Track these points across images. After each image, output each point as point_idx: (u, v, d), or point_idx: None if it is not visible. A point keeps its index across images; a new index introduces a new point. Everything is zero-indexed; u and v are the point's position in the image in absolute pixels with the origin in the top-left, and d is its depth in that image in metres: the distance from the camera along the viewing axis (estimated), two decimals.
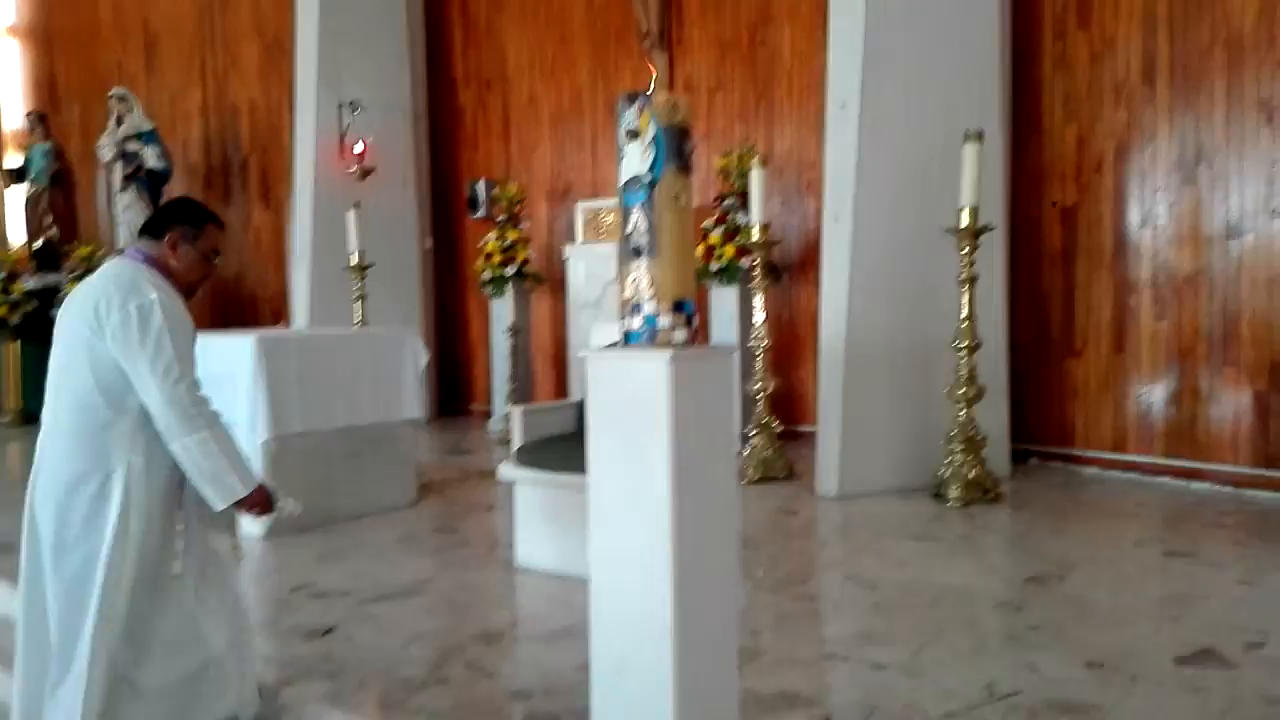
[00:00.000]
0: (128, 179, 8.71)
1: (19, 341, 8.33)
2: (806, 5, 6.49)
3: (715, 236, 6.22)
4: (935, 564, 3.79)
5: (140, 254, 2.47)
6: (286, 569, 3.89)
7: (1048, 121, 5.63)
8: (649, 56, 7.21)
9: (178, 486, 2.43)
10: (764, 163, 5.49)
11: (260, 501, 2.45)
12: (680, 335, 2.00)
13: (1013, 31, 5.55)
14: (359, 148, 7.63)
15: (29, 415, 7.95)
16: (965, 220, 4.67)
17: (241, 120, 9.29)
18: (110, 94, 8.79)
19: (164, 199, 8.98)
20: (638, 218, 2.02)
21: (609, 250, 6.68)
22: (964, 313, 4.74)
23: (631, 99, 2.04)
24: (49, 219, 8.92)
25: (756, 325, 5.45)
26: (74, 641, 2.32)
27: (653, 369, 1.93)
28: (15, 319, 8.28)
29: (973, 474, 4.75)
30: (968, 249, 4.70)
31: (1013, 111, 5.59)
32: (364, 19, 7.78)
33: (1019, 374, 5.59)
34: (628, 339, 2.04)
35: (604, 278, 6.65)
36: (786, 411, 6.42)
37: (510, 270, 6.99)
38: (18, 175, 9.01)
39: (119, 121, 8.70)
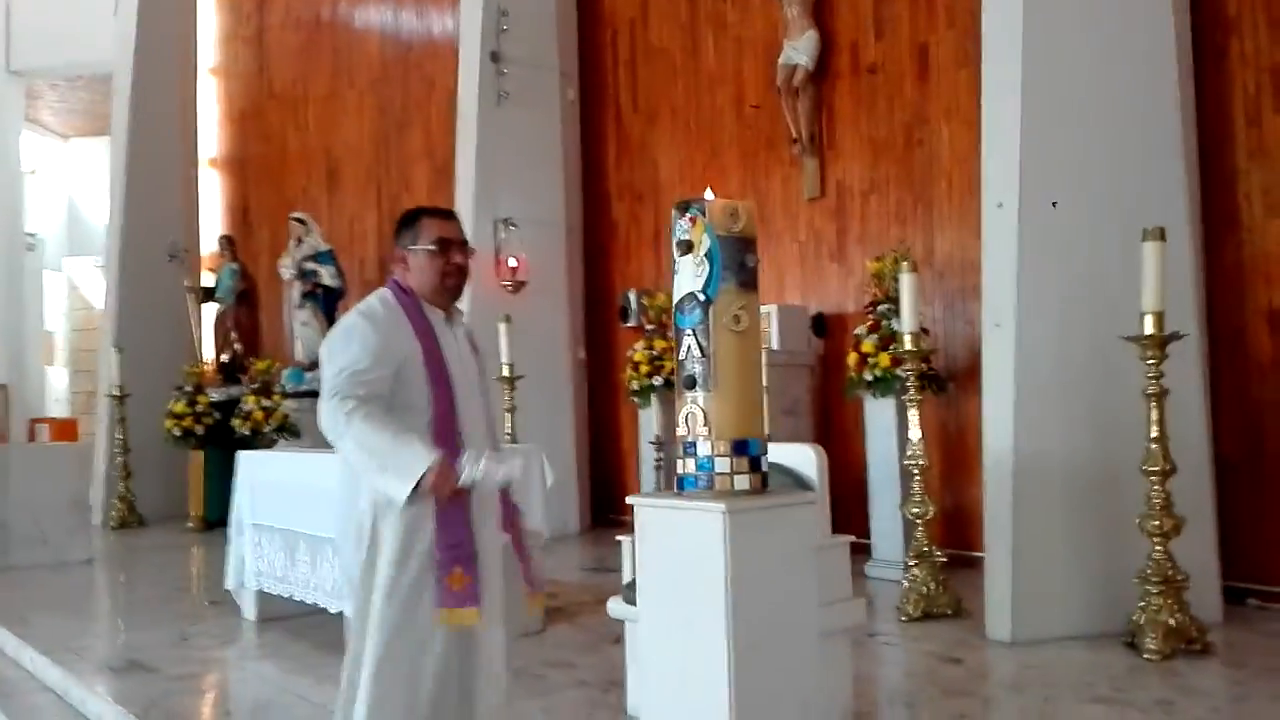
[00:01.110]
0: (305, 296, 9.18)
1: (203, 450, 8.75)
2: (965, 103, 6.11)
3: (868, 344, 5.80)
4: None
5: (389, 281, 2.48)
6: None
7: (1246, 217, 4.97)
8: (797, 162, 7.00)
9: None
10: (914, 267, 5.08)
11: (439, 478, 2.14)
12: (742, 482, 1.67)
13: (1198, 119, 4.98)
14: (513, 262, 7.72)
15: (211, 521, 8.27)
16: (1149, 327, 4.09)
17: None
18: (291, 216, 9.35)
19: (338, 315, 9.40)
20: (690, 343, 1.72)
21: None
22: (1153, 432, 4.11)
23: (684, 207, 1.77)
24: (234, 335, 9.47)
25: (913, 442, 4.96)
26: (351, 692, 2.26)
27: (706, 523, 1.61)
28: (200, 430, 8.72)
29: (1173, 620, 4.03)
30: (1154, 359, 4.10)
31: (1202, 207, 4.97)
32: (522, 140, 7.95)
33: (1230, 500, 4.82)
34: (681, 485, 1.72)
35: None
36: (959, 535, 5.83)
37: (658, 380, 6.81)
38: (209, 294, 9.65)
39: (299, 242, 9.22)
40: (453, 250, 2.44)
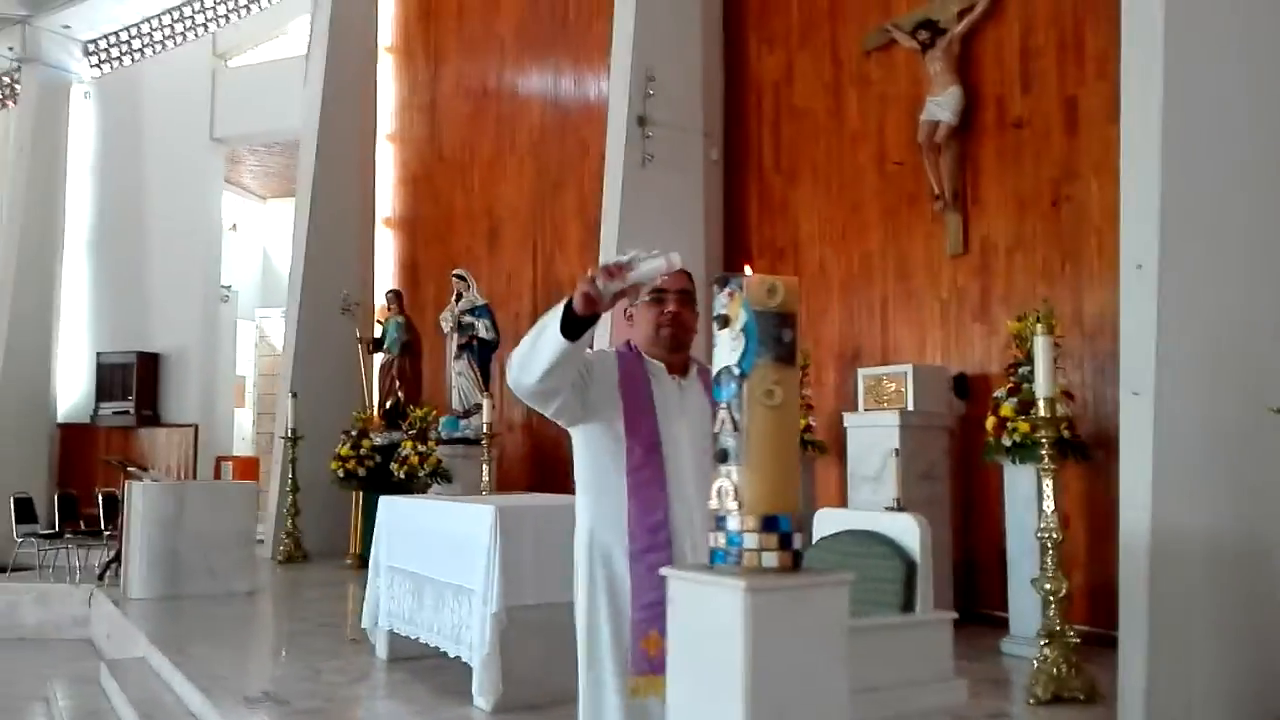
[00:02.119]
0: (462, 348, 9.63)
1: (364, 491, 9.26)
2: (1115, 157, 5.83)
3: (1007, 408, 5.59)
4: None
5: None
6: None
7: None
8: (939, 218, 6.87)
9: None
10: (1051, 328, 4.88)
11: (584, 302, 2.07)
12: (771, 559, 1.68)
13: None
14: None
15: (367, 559, 8.70)
16: None
17: (561, 293, 10.02)
18: (453, 273, 9.87)
19: (492, 367, 9.82)
20: (725, 416, 1.76)
21: (891, 419, 6.25)
22: None
23: (723, 281, 1.82)
24: (398, 383, 10.02)
25: (1047, 514, 4.74)
26: None
27: (728, 599, 1.63)
28: (362, 471, 9.24)
29: None
30: None
31: None
32: (666, 200, 8.14)
33: None
34: (713, 559, 1.75)
35: (884, 448, 6.19)
36: (1103, 613, 5.49)
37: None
38: (378, 344, 10.27)
39: (459, 297, 9.71)
40: (668, 300, 2.35)
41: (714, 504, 1.76)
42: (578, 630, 2.37)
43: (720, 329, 1.80)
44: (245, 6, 13.13)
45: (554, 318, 2.12)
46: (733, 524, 1.71)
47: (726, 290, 1.80)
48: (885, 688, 2.88)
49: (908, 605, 3.32)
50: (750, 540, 1.69)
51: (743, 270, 1.92)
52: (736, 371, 1.75)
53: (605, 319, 2.49)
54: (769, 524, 1.70)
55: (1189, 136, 4.36)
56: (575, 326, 2.10)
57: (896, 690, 2.92)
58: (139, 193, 13.56)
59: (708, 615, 1.68)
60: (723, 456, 1.76)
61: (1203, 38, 4.43)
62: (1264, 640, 4.02)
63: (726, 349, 1.78)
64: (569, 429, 2.40)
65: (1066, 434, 5.38)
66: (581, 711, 2.32)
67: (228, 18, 13.24)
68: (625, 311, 2.41)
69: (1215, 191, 4.34)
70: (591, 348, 2.31)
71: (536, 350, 2.16)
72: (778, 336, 1.76)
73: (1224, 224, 4.32)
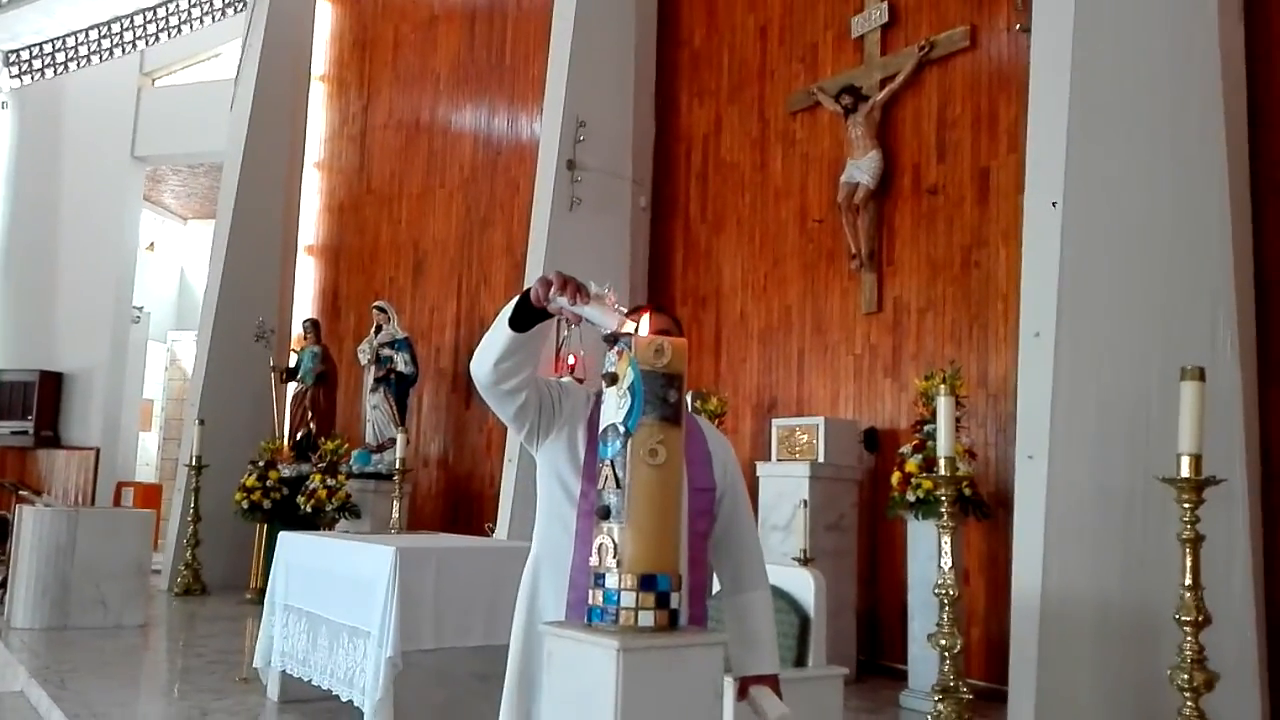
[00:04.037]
0: (379, 381, 9.51)
1: (269, 525, 9.02)
2: (1021, 228, 6.09)
3: (912, 464, 5.72)
4: None
5: None
6: None
7: None
8: (855, 276, 7.04)
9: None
10: (954, 390, 5.03)
11: (540, 294, 2.04)
12: (646, 618, 1.69)
13: (1256, 250, 4.86)
14: (571, 360, 7.88)
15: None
16: (1185, 470, 3.96)
17: (486, 329, 9.97)
18: (374, 305, 9.77)
19: (409, 402, 9.70)
20: (609, 473, 1.78)
21: (802, 469, 6.34)
22: (1187, 579, 3.94)
23: (612, 341, 1.84)
24: (310, 414, 9.83)
25: (944, 570, 4.85)
26: None
27: (600, 658, 1.63)
28: (267, 504, 9.01)
29: None
30: (1190, 503, 3.96)
31: (1259, 342, 4.82)
32: (592, 243, 8.19)
33: None
34: (590, 617, 1.76)
35: (794, 498, 6.26)
36: (998, 668, 5.60)
37: None
38: (291, 374, 10.08)
39: (378, 329, 9.60)
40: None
41: (594, 561, 1.77)
42: (510, 657, 2.29)
43: (608, 386, 1.82)
44: (176, 28, 12.94)
45: (509, 307, 2.13)
46: (611, 582, 1.72)
47: (615, 349, 1.82)
48: None
49: (801, 659, 3.37)
50: (627, 599, 1.70)
51: (642, 316, 1.96)
52: (621, 430, 1.77)
53: None
54: (647, 583, 1.71)
55: (1089, 211, 4.56)
56: (527, 319, 2.10)
57: None
58: (53, 207, 13.17)
59: (583, 672, 1.68)
60: (605, 513, 1.77)
61: (1105, 118, 4.65)
62: (1145, 704, 4.15)
63: (613, 406, 1.80)
64: (530, 449, 2.33)
65: (968, 492, 5.53)
66: None
67: (158, 37, 13.03)
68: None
69: (1112, 264, 4.53)
70: (548, 354, 2.28)
71: (490, 339, 2.17)
72: (664, 397, 1.78)
73: (1120, 296, 4.51)
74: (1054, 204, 4.50)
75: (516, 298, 2.13)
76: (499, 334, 2.12)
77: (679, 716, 1.69)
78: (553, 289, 2.03)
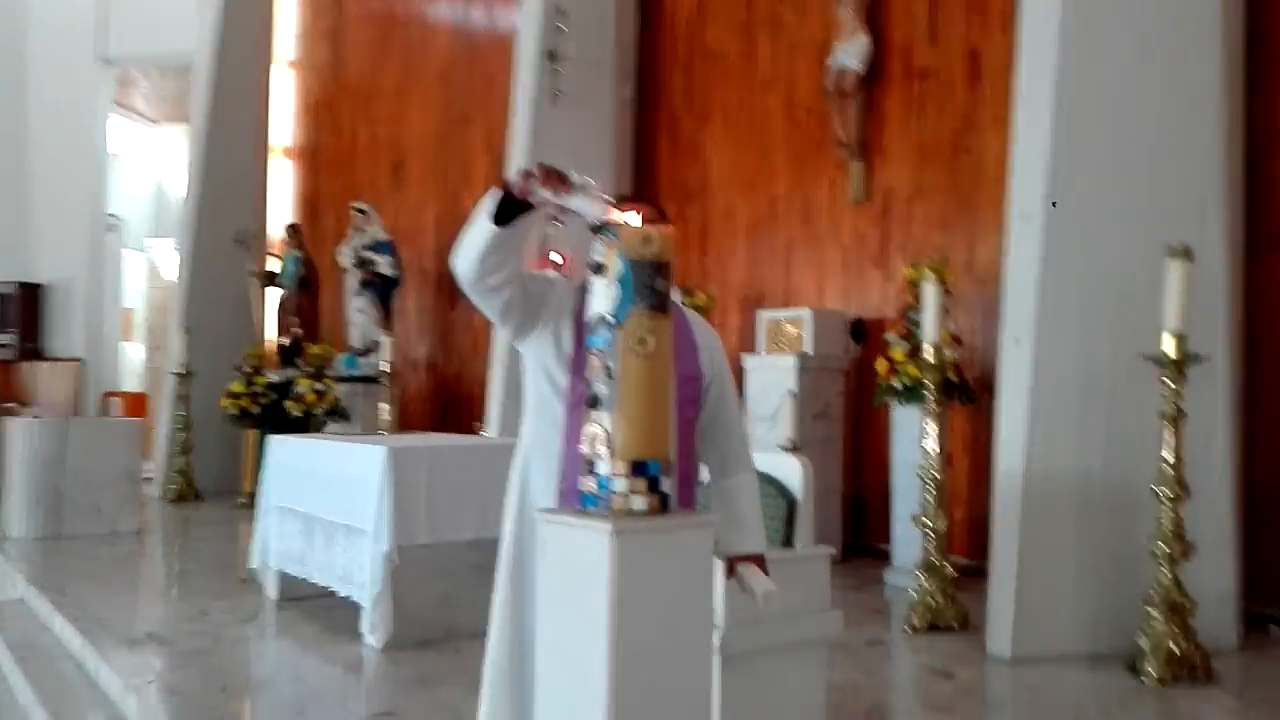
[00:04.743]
0: (363, 284, 9.44)
1: (259, 430, 9.06)
2: (1011, 111, 5.99)
3: (897, 351, 5.77)
4: None
5: None
6: (378, 690, 3.82)
7: None
8: (844, 165, 6.95)
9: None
10: (942, 277, 5.03)
11: (520, 187, 2.01)
12: (639, 503, 1.71)
13: (1247, 129, 4.81)
14: (558, 258, 7.79)
15: None
16: (1168, 348, 4.00)
17: None
18: (351, 205, 9.61)
19: (393, 304, 9.65)
20: (598, 363, 1.78)
21: (790, 362, 6.38)
22: (1168, 455, 4.02)
23: (599, 230, 1.82)
24: (295, 320, 9.78)
25: (929, 453, 4.92)
26: None
27: (594, 542, 1.66)
28: (256, 410, 9.02)
29: (1177, 647, 3.94)
30: (1172, 381, 4.01)
31: (1247, 223, 4.81)
32: (575, 138, 8.02)
33: (1260, 527, 4.69)
34: (583, 502, 1.78)
35: (781, 389, 6.31)
36: (980, 547, 5.74)
37: None
38: (273, 279, 9.98)
39: (359, 232, 9.48)
40: None
41: (585, 449, 1.78)
42: (502, 547, 2.32)
43: (595, 276, 1.80)
44: None
45: (489, 199, 2.07)
46: (603, 469, 1.74)
47: (603, 239, 1.80)
48: (764, 620, 2.98)
49: (788, 541, 3.43)
50: (619, 484, 1.72)
51: (629, 208, 1.93)
52: (611, 320, 1.76)
53: None
54: (638, 469, 1.73)
55: (1081, 91, 4.48)
56: (508, 210, 2.04)
57: (775, 622, 3.02)
58: (20, 114, 12.80)
59: (577, 557, 1.71)
60: (594, 402, 1.78)
61: None
62: (1124, 574, 4.27)
63: (601, 297, 1.79)
64: (517, 343, 2.30)
65: (954, 377, 5.58)
66: (495, 642, 2.28)
67: None
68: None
69: (1103, 145, 4.48)
70: (534, 249, 2.25)
71: (471, 234, 2.11)
72: (652, 286, 1.77)
73: (1111, 176, 4.47)
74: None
75: (496, 191, 2.07)
76: (480, 229, 2.08)
77: (671, 596, 1.73)
78: (533, 180, 1.99)
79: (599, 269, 1.79)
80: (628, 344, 1.74)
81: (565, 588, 1.75)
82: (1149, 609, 4.02)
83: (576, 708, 1.70)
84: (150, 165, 14.85)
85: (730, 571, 2.27)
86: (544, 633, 1.80)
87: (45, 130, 12.73)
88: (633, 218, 1.83)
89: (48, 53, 12.71)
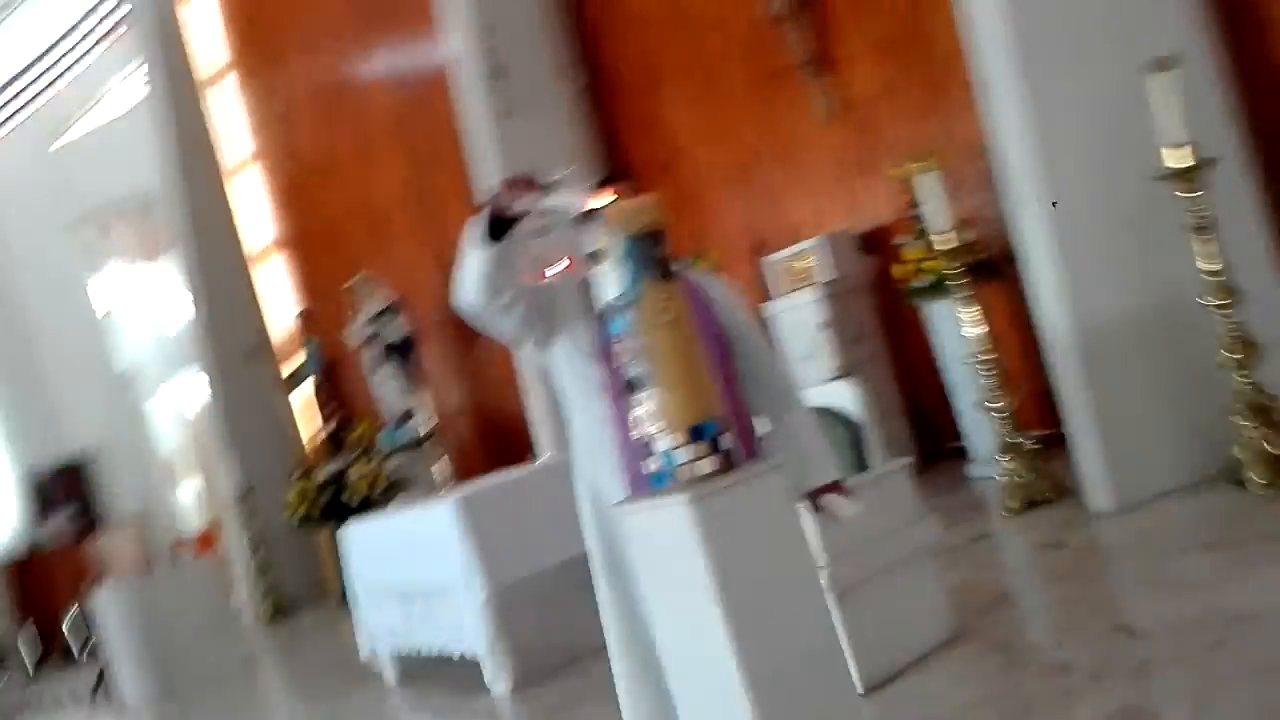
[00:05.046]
0: (383, 356, 9.48)
1: (328, 527, 9.13)
2: None
3: (912, 252, 5.70)
4: (1229, 584, 3.07)
5: None
6: None
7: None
8: (807, 85, 6.84)
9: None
10: (932, 165, 4.96)
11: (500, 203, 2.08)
12: (706, 466, 1.71)
13: None
14: (564, 263, 7.80)
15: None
16: (1172, 161, 3.93)
17: None
18: (347, 286, 9.66)
19: (417, 363, 9.69)
20: (626, 347, 1.77)
21: (811, 295, 6.34)
22: (1207, 265, 3.95)
23: (587, 216, 1.81)
24: (332, 405, 9.85)
25: (973, 339, 4.87)
26: None
27: (675, 518, 1.65)
28: (318, 510, 9.09)
29: (1273, 448, 3.87)
30: (1189, 193, 3.94)
31: (1226, 18, 4.66)
32: (537, 144, 7.94)
33: None
34: (654, 483, 1.77)
35: (811, 325, 6.27)
36: (1051, 415, 5.69)
37: None
38: (298, 375, 10.06)
39: (360, 309, 9.53)
40: None
41: (637, 434, 1.78)
42: (591, 555, 2.34)
43: (595, 264, 1.79)
44: (60, 74, 12.44)
45: (474, 227, 2.11)
46: (662, 444, 1.73)
47: (593, 226, 1.79)
48: (863, 546, 2.97)
49: (862, 465, 3.42)
50: (682, 454, 1.71)
51: (605, 190, 1.92)
52: (624, 300, 1.76)
53: None
54: (695, 433, 1.72)
55: None
56: (495, 230, 2.08)
57: (875, 545, 3.01)
58: (13, 302, 13.01)
59: (664, 537, 1.71)
60: (633, 386, 1.77)
61: None
62: (1201, 393, 4.18)
63: (608, 282, 1.78)
64: (542, 355, 2.32)
65: (974, 259, 5.50)
66: (615, 645, 2.29)
67: (42, 94, 12.58)
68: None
69: None
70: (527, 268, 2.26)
71: (467, 264, 2.15)
72: (653, 255, 1.76)
73: (1071, 12, 4.35)
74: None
75: (480, 216, 2.08)
76: (475, 256, 2.09)
77: (766, 546, 1.72)
78: (510, 195, 1.99)
79: (597, 256, 1.78)
80: (648, 317, 1.74)
81: (662, 570, 1.75)
82: (1235, 419, 3.95)
83: (711, 681, 1.70)
84: (149, 305, 15.01)
85: (815, 507, 2.25)
86: (658, 619, 1.80)
87: (41, 306, 12.94)
88: (610, 199, 1.81)
89: (19, 233, 12.90)
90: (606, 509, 2.20)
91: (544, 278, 2.40)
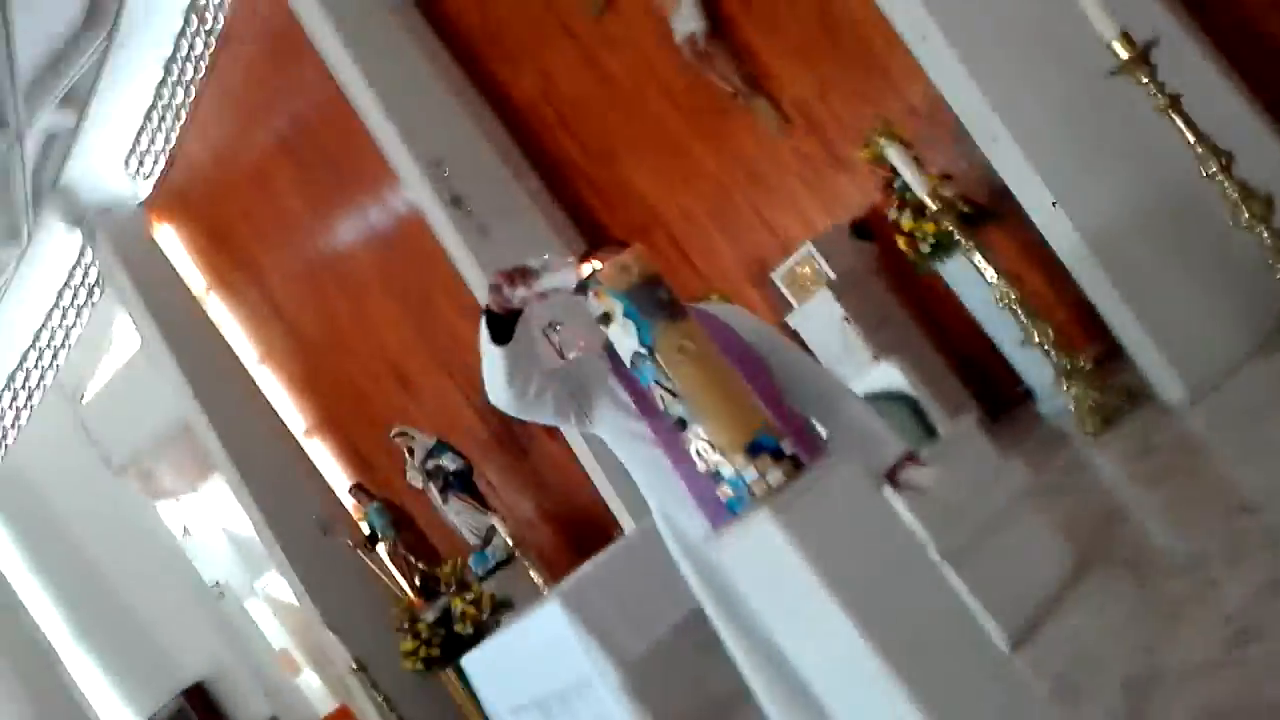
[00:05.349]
0: (443, 491, 9.60)
1: (449, 668, 9.15)
2: None
3: (906, 222, 5.74)
4: None
5: None
6: None
7: None
8: (750, 110, 7.00)
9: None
10: (895, 135, 5.05)
11: (498, 306, 2.14)
12: (775, 476, 1.75)
13: None
14: (580, 344, 7.91)
15: None
16: (1120, 53, 3.97)
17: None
18: (391, 436, 9.83)
19: (479, 490, 9.79)
20: (660, 393, 1.83)
21: (825, 296, 6.39)
22: (1189, 137, 3.96)
23: (582, 288, 1.88)
24: (411, 559, 9.94)
25: (994, 284, 4.89)
26: None
27: (765, 535, 1.68)
28: (436, 653, 9.12)
29: None
30: (1143, 77, 3.97)
31: None
32: (519, 248, 8.11)
33: None
34: (731, 510, 1.81)
35: (836, 327, 6.31)
36: (1097, 331, 5.66)
37: None
38: (372, 539, 10.18)
39: (411, 453, 9.67)
40: None
41: (700, 467, 1.82)
42: (703, 603, 2.36)
43: (607, 326, 1.86)
44: (63, 343, 12.92)
45: (483, 332, 2.19)
46: (727, 471, 1.78)
47: (590, 293, 1.87)
48: (958, 510, 2.97)
49: (931, 434, 3.43)
50: (749, 473, 1.75)
51: (591, 258, 1.99)
52: (644, 351, 1.82)
53: None
54: (754, 449, 1.76)
55: None
56: (501, 329, 2.14)
57: (969, 505, 3.01)
58: (86, 558, 13.31)
59: (762, 558, 1.74)
60: (681, 424, 1.83)
61: None
62: (1232, 261, 4.16)
63: (622, 339, 1.85)
64: (588, 429, 2.35)
65: (967, 207, 5.54)
66: (757, 684, 2.29)
67: (54, 362, 13.03)
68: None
69: None
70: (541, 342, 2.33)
71: (487, 368, 2.23)
72: (657, 299, 1.83)
73: None
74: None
75: (483, 319, 2.16)
76: (492, 358, 2.17)
77: (860, 534, 1.75)
78: (505, 290, 2.07)
79: (605, 319, 1.85)
80: (670, 357, 1.79)
81: (772, 590, 1.77)
82: (1275, 272, 3.91)
83: (858, 681, 1.70)
84: (218, 514, 15.30)
85: (895, 485, 2.27)
86: (785, 640, 1.82)
87: (114, 556, 13.21)
88: (597, 263, 1.88)
89: (69, 497, 13.24)
90: (700, 553, 2.23)
91: (566, 358, 2.48)
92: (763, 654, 2.20)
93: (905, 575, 1.79)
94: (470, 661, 5.28)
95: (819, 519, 1.70)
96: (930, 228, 5.55)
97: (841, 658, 1.71)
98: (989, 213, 5.72)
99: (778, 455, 1.76)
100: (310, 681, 14.33)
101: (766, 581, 1.77)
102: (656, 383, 1.82)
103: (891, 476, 2.23)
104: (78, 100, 9.56)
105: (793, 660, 1.88)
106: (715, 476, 1.80)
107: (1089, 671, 2.67)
